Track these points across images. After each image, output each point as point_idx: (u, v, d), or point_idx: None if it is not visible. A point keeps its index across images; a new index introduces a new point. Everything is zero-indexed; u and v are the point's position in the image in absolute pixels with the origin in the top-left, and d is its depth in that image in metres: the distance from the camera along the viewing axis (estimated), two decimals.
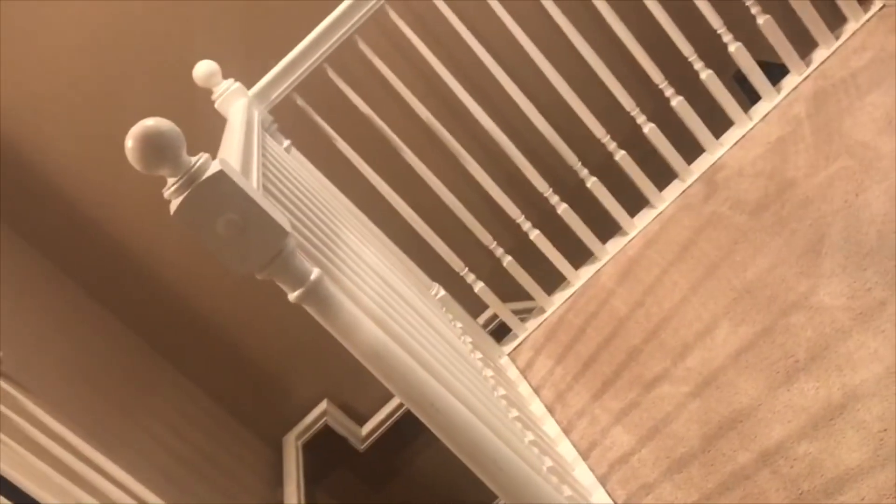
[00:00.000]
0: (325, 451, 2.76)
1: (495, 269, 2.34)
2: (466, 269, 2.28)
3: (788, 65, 2.26)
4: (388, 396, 2.80)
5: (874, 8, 2.22)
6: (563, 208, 2.28)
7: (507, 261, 2.29)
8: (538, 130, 2.23)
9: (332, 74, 2.11)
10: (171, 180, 0.94)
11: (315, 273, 1.00)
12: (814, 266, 1.71)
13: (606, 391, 1.89)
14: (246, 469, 2.43)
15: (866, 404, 1.38)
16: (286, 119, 2.13)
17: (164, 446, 2.03)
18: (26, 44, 2.26)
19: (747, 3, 2.19)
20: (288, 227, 0.99)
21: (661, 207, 2.28)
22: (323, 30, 2.05)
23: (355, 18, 2.05)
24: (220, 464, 2.30)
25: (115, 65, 2.36)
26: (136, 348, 2.45)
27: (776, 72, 2.29)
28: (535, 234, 2.29)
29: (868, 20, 2.21)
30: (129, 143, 0.91)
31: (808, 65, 2.25)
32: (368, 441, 2.84)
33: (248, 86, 2.05)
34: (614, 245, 2.31)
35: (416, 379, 1.08)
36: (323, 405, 2.77)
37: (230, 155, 1.24)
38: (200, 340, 2.61)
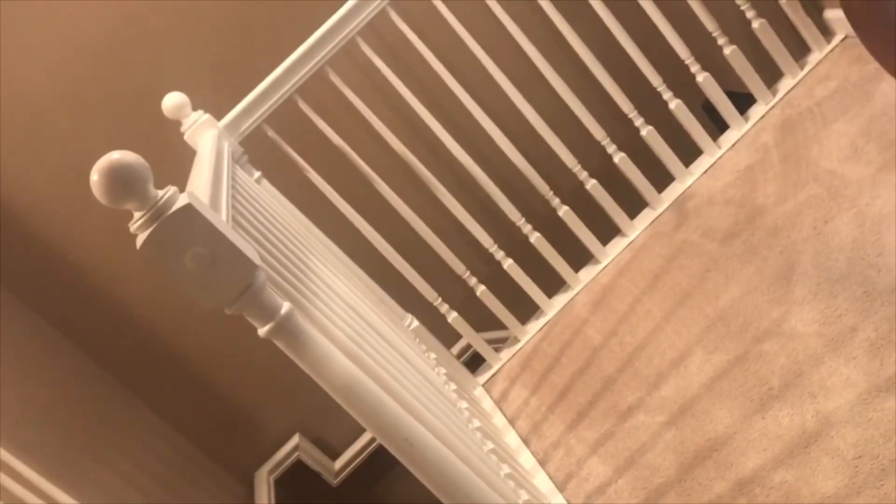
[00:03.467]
0: (297, 486, 2.71)
1: (469, 299, 2.33)
2: (440, 299, 2.27)
3: (755, 94, 2.29)
4: (362, 430, 2.76)
5: (837, 39, 2.26)
6: (535, 237, 2.28)
7: (481, 290, 2.28)
8: (510, 160, 2.24)
9: (302, 105, 2.11)
10: (137, 214, 0.92)
11: (285, 307, 0.99)
12: (785, 293, 1.72)
13: (581, 421, 1.88)
14: None
15: (840, 431, 1.38)
16: (257, 150, 2.11)
17: (133, 484, 1.98)
18: None
19: (714, 34, 2.23)
20: (257, 261, 0.97)
21: (632, 236, 2.29)
22: (294, 61, 2.05)
23: (326, 50, 2.05)
24: (191, 501, 2.25)
25: (82, 97, 2.34)
26: (104, 384, 2.40)
27: (743, 101, 2.33)
28: (508, 264, 2.28)
29: (831, 50, 2.25)
30: (95, 176, 0.90)
31: (774, 94, 2.28)
32: (342, 475, 2.80)
33: (218, 117, 2.03)
34: (587, 273, 2.31)
35: (389, 413, 1.06)
36: (295, 439, 2.73)
37: (199, 187, 1.22)
38: (170, 375, 2.56)
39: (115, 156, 0.90)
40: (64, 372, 2.22)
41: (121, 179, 0.89)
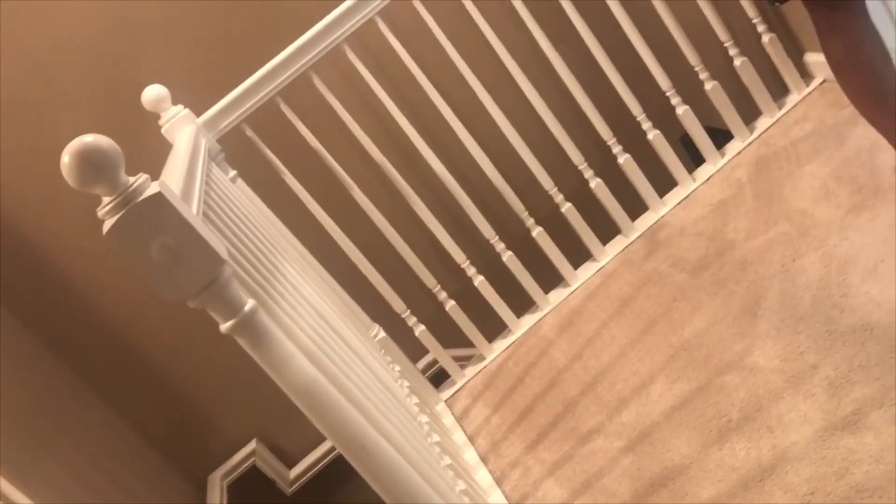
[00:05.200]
0: (251, 492, 2.67)
1: (438, 314, 2.32)
2: (409, 311, 2.26)
3: (733, 130, 2.32)
4: (320, 440, 2.73)
5: (815, 82, 2.30)
6: (507, 256, 2.28)
7: (450, 305, 2.28)
8: (488, 178, 2.25)
9: (284, 108, 2.10)
10: (106, 199, 0.90)
11: (249, 304, 0.98)
12: (750, 327, 1.74)
13: (541, 442, 1.88)
14: None
15: (795, 467, 1.39)
16: (234, 149, 2.10)
17: (81, 479, 1.94)
18: None
19: (696, 68, 2.26)
20: (225, 256, 0.96)
21: (603, 261, 2.30)
22: (278, 63, 2.04)
23: (311, 54, 2.05)
24: (141, 500, 2.21)
25: (62, 84, 2.31)
26: (59, 375, 2.35)
27: (721, 138, 2.36)
28: (478, 280, 2.28)
29: (809, 93, 2.29)
30: (66, 158, 0.88)
31: (751, 132, 2.31)
32: (297, 484, 2.76)
33: (198, 114, 2.02)
34: (556, 296, 2.32)
35: (347, 419, 1.05)
36: (252, 445, 2.69)
37: (171, 179, 1.21)
38: (128, 370, 2.52)
39: (88, 139, 0.88)
40: (16, 360, 2.17)
41: (91, 163, 0.87)
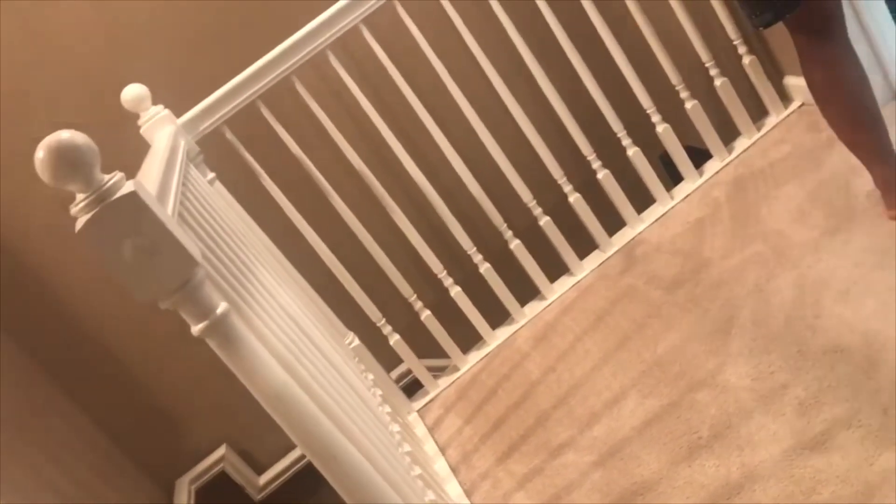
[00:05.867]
0: (219, 498, 2.65)
1: (413, 324, 2.32)
2: (384, 320, 2.26)
3: (711, 150, 2.34)
4: (290, 447, 2.71)
5: (794, 105, 2.33)
6: (485, 268, 2.28)
7: (426, 315, 2.27)
8: (468, 189, 2.25)
9: (264, 112, 2.09)
10: (80, 196, 0.89)
11: (222, 307, 0.97)
12: (722, 345, 1.75)
13: (512, 455, 1.88)
14: None
15: (763, 486, 1.40)
16: (213, 152, 2.09)
17: (43, 479, 1.91)
18: None
19: (677, 88, 2.27)
20: (199, 258, 0.95)
21: (579, 276, 2.30)
22: (261, 66, 2.03)
23: (295, 59, 2.04)
24: (106, 502, 2.17)
25: (40, 80, 2.29)
26: (24, 368, 2.31)
27: (701, 158, 2.37)
28: (455, 291, 2.28)
29: (788, 115, 2.31)
30: (40, 153, 0.87)
31: (730, 152, 2.34)
32: (265, 491, 2.74)
33: (178, 115, 2.01)
34: (532, 309, 2.32)
35: (317, 426, 1.04)
36: (221, 450, 2.67)
37: (148, 179, 1.20)
38: (97, 368, 2.49)
39: (64, 135, 0.87)
40: None
41: (66, 159, 0.86)
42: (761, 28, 1.68)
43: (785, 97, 2.35)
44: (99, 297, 2.44)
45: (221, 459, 2.65)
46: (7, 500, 1.65)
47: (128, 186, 0.90)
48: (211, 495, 2.62)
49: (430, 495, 1.52)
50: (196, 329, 0.96)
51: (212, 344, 0.97)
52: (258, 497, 2.72)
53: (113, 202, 0.88)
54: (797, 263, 1.81)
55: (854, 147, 1.66)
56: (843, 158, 1.97)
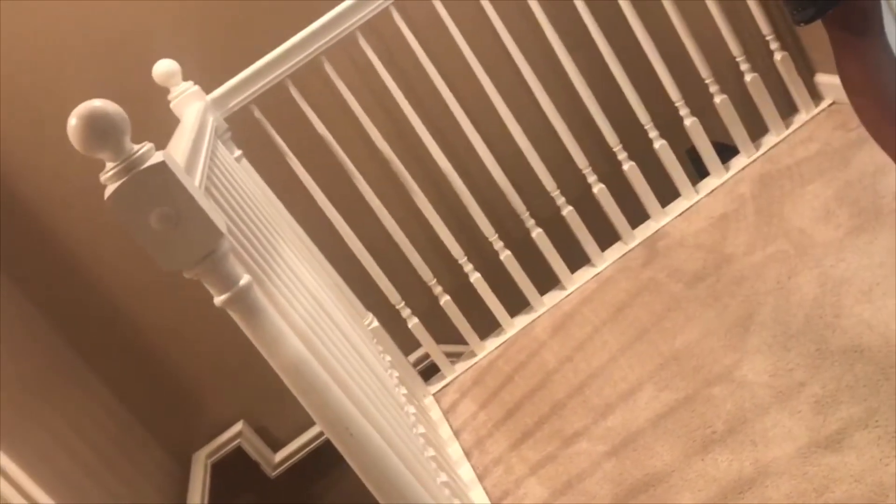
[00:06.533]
0: (234, 473, 2.68)
1: (432, 308, 2.33)
2: (403, 303, 2.27)
3: (739, 145, 2.32)
4: (307, 425, 2.74)
5: (824, 103, 2.30)
6: (505, 255, 2.29)
7: (445, 300, 2.28)
8: (492, 176, 2.25)
9: (293, 91, 2.10)
10: (109, 164, 0.91)
11: (245, 279, 0.98)
12: (741, 341, 1.74)
13: (525, 442, 1.88)
14: (148, 481, 2.34)
15: (776, 482, 1.40)
16: (241, 129, 2.10)
17: (65, 447, 1.95)
18: None
19: (707, 81, 2.26)
20: (224, 229, 0.96)
21: (600, 267, 2.30)
22: (291, 46, 2.04)
23: (325, 39, 2.05)
24: (122, 472, 2.21)
25: (74, 53, 2.32)
26: (47, 337, 2.35)
27: (727, 154, 2.36)
28: (475, 277, 2.29)
29: (818, 113, 2.29)
30: (73, 121, 0.89)
31: (757, 148, 2.32)
32: (281, 468, 2.77)
33: (208, 91, 2.02)
34: (551, 298, 2.32)
35: (334, 401, 1.05)
36: (238, 426, 2.70)
37: (177, 151, 1.21)
38: (119, 341, 2.52)
39: (97, 103, 0.89)
40: (12, 325, 2.18)
41: (98, 127, 0.88)
42: (803, 24, 1.66)
43: (815, 95, 2.33)
44: (123, 270, 2.47)
45: (238, 435, 2.68)
46: (23, 456, 1.68)
47: (157, 156, 0.92)
48: (227, 470, 2.66)
49: (443, 477, 1.53)
50: (219, 300, 0.97)
51: (233, 315, 0.99)
52: (273, 474, 2.75)
53: (142, 171, 0.90)
54: (820, 262, 1.80)
55: (887, 145, 1.64)
56: (870, 158, 1.95)
